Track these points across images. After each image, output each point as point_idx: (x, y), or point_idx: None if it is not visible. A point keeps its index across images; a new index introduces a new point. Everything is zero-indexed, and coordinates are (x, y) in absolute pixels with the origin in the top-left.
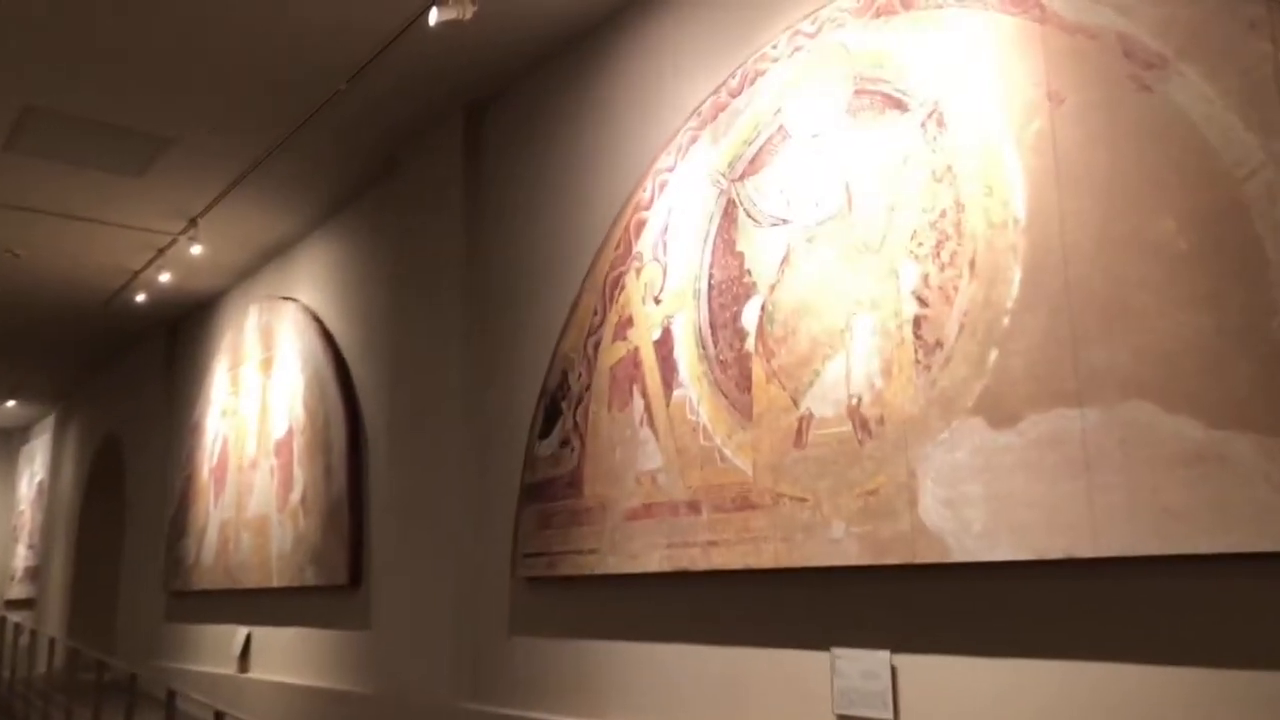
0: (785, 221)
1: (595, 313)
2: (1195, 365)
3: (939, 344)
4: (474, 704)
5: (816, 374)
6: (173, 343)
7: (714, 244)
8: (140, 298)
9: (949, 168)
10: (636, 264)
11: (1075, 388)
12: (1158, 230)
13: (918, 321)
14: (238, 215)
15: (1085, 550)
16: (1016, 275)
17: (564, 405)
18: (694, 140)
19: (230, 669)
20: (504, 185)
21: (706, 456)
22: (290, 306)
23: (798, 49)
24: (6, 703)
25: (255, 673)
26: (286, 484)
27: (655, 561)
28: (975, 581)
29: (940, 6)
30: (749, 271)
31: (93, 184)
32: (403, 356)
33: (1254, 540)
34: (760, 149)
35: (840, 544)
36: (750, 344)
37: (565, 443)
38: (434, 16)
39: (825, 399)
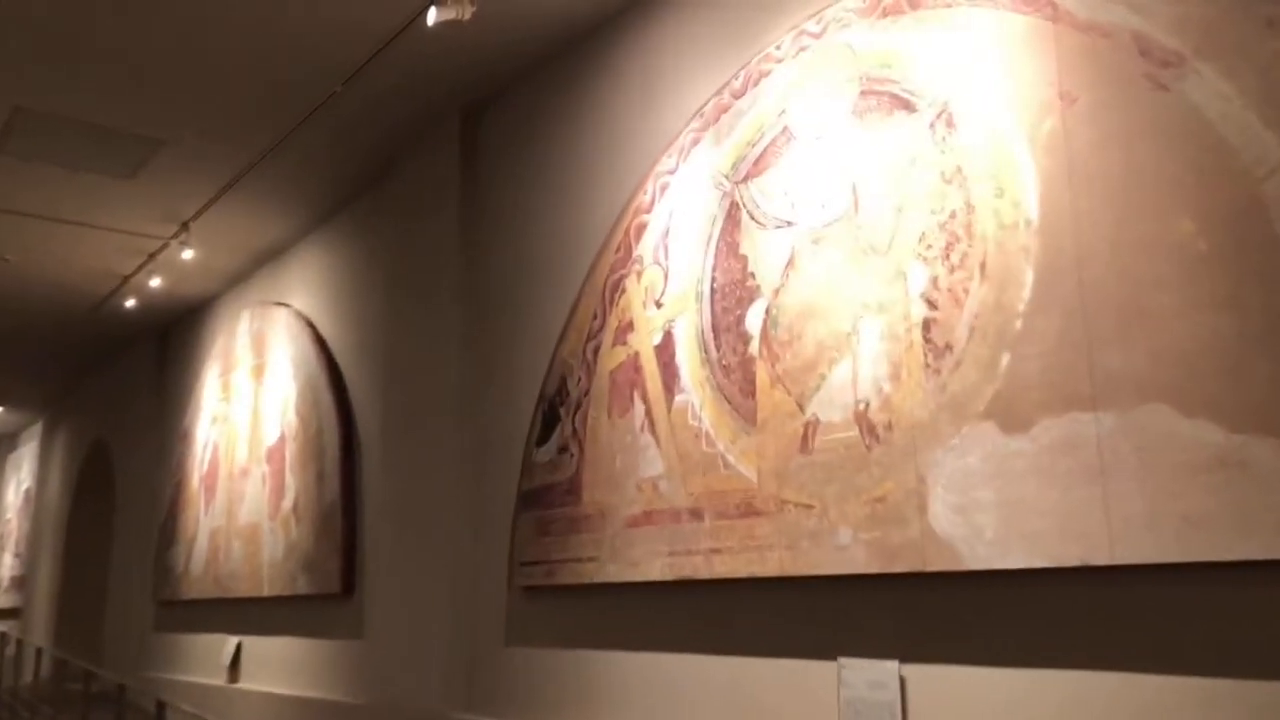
0: (790, 224)
1: (595, 317)
2: (1214, 368)
3: (949, 347)
4: (469, 715)
5: (822, 378)
6: (163, 349)
7: (717, 247)
8: (130, 303)
9: (959, 169)
10: (637, 267)
11: (1090, 392)
12: (1175, 231)
13: (927, 325)
14: (230, 219)
15: (1101, 558)
16: (1029, 277)
17: (562, 411)
18: (696, 142)
19: (220, 679)
20: (502, 188)
21: (709, 462)
22: (283, 312)
23: (803, 49)
24: None
25: (245, 683)
26: (278, 491)
27: (657, 570)
28: (987, 589)
29: (949, 5)
30: (753, 275)
31: (83, 187)
32: (398, 362)
33: (1277, 547)
34: (764, 150)
35: (847, 551)
36: (754, 348)
37: (564, 449)
38: (432, 16)
39: (832, 404)
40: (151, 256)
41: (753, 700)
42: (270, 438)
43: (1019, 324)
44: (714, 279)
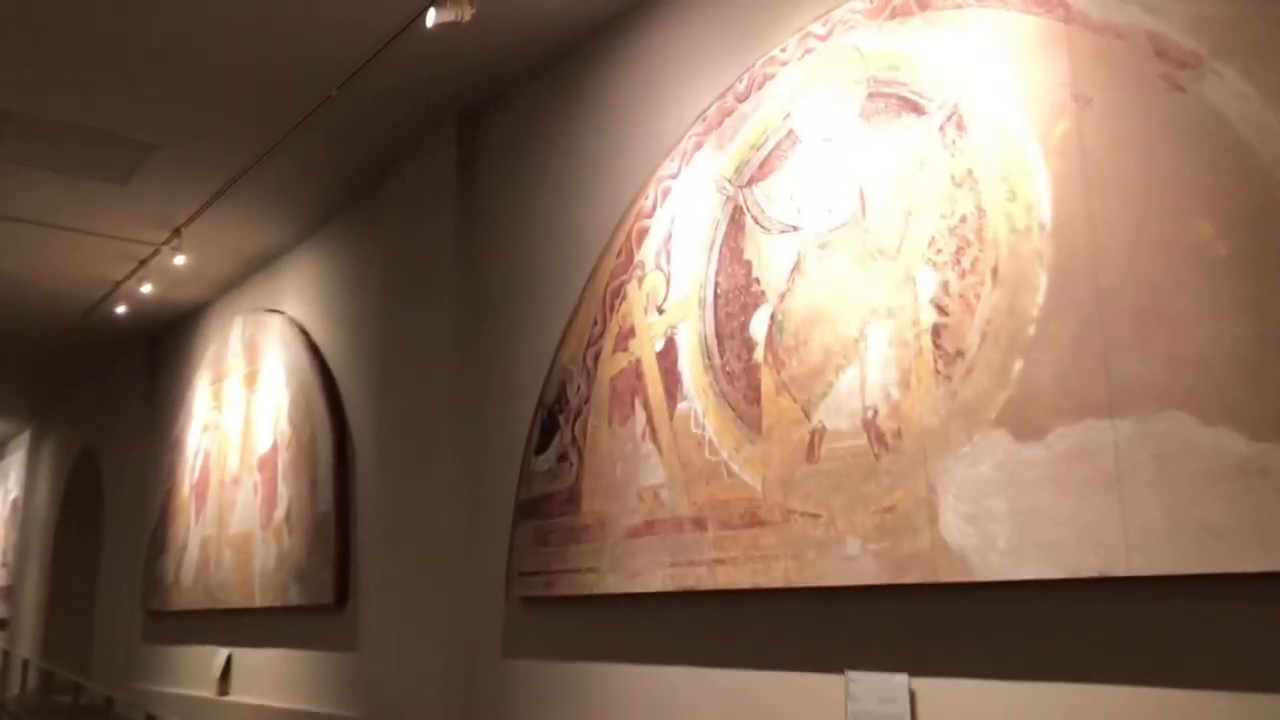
0: (796, 228)
1: (595, 323)
2: (1235, 375)
3: (960, 353)
4: None
5: (829, 385)
6: (154, 356)
7: (720, 252)
8: (121, 310)
9: (969, 172)
10: (638, 273)
11: (1106, 399)
12: (1194, 233)
13: (937, 330)
14: (223, 225)
15: (1119, 569)
16: (1043, 282)
17: (562, 419)
18: (699, 146)
19: (210, 691)
20: (500, 192)
21: (713, 471)
22: (276, 319)
23: (808, 51)
24: None
25: (236, 695)
26: (270, 500)
27: (658, 580)
28: (999, 601)
29: (959, 7)
30: (757, 280)
31: (73, 192)
32: (393, 370)
33: None
34: (769, 154)
35: (856, 562)
36: (759, 354)
37: (563, 457)
38: (431, 18)
39: (839, 411)
40: (143, 263)
41: (757, 715)
42: (262, 446)
43: (1032, 329)
44: (717, 284)
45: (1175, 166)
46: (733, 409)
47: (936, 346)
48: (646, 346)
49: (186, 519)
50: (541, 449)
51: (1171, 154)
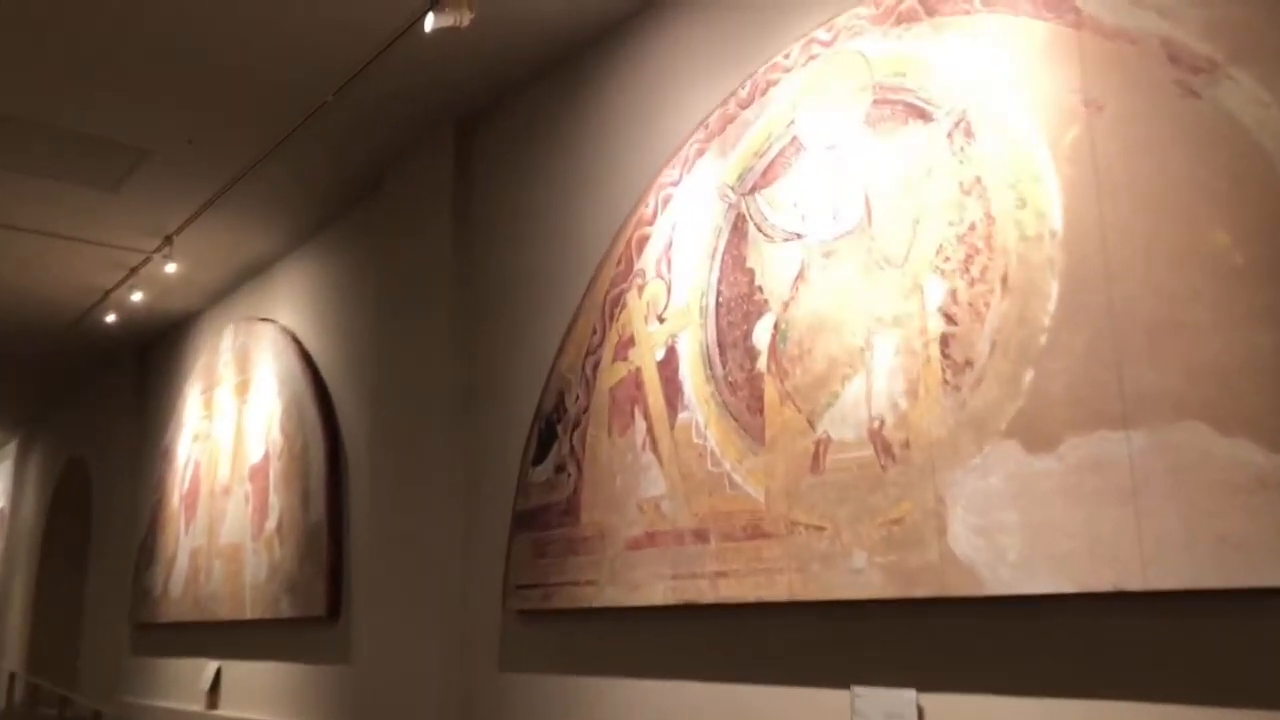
0: (800, 236)
1: (594, 332)
2: (1252, 385)
3: (969, 363)
4: None
5: (835, 395)
6: (143, 365)
7: (722, 260)
8: (110, 318)
9: (978, 179)
10: (639, 281)
11: (1120, 409)
12: (1209, 242)
13: (945, 340)
14: (215, 233)
15: (1135, 583)
16: (1054, 290)
17: (560, 429)
18: (700, 153)
19: (199, 705)
20: (498, 200)
21: (715, 482)
22: (269, 328)
23: (813, 58)
24: None
25: (225, 709)
26: (262, 510)
27: (659, 593)
28: (1010, 615)
29: (967, 13)
30: (760, 288)
31: (62, 199)
32: (387, 379)
33: None
34: (772, 161)
35: (862, 575)
36: (762, 364)
37: (561, 468)
38: (430, 23)
39: (844, 421)
40: (133, 271)
41: None
42: (254, 456)
43: (1044, 339)
44: (719, 293)
45: (1189, 173)
46: (735, 419)
47: (945, 356)
48: (647, 356)
49: (176, 529)
50: (539, 459)
51: (1185, 160)
